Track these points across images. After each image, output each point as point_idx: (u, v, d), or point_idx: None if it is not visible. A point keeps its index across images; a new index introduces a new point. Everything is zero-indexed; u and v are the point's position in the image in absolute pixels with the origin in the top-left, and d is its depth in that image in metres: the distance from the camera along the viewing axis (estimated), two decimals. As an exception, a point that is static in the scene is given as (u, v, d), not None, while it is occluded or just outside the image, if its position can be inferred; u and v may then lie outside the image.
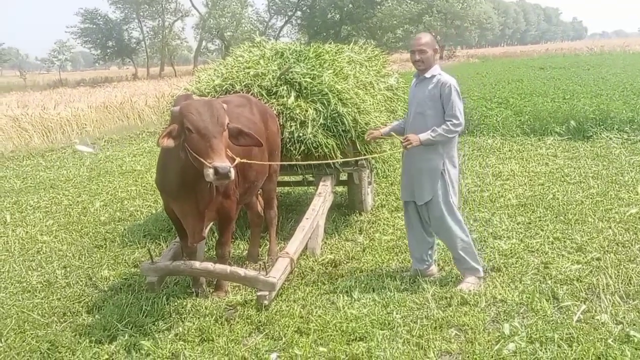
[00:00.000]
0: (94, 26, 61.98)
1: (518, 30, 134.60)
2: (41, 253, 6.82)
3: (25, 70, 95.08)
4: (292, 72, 6.82)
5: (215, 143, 4.34)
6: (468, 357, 4.04)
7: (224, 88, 6.79)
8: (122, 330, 4.61)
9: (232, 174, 4.30)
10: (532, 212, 7.34)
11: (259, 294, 4.90)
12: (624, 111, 12.87)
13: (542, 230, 6.64)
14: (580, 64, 31.89)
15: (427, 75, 5.20)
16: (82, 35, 62.86)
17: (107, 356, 4.30)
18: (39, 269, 6.28)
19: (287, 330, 4.52)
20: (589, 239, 6.21)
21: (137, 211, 8.50)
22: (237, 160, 4.69)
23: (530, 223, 6.92)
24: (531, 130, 13.12)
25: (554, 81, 21.00)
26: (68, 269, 6.22)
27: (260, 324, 4.68)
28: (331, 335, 4.41)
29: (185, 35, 65.90)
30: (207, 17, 57.18)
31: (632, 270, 5.32)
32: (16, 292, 5.66)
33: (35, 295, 5.53)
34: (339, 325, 4.55)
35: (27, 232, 7.73)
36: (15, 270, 6.25)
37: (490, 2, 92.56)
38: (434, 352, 4.15)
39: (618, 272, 5.28)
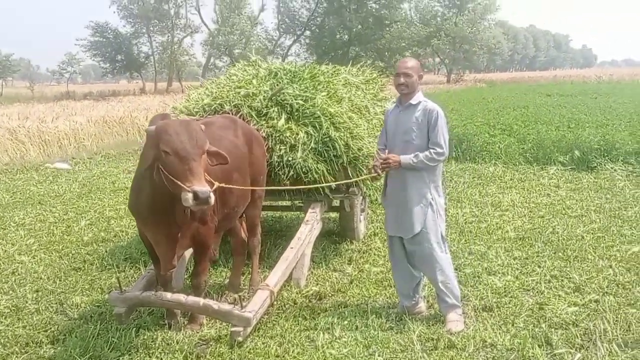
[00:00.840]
0: (104, 40, 62.17)
1: (527, 56, 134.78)
2: (16, 274, 6.56)
3: (35, 82, 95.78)
4: (283, 93, 6.57)
5: (194, 166, 4.11)
6: (451, 409, 3.73)
7: (212, 108, 6.56)
8: (84, 366, 4.32)
9: (212, 199, 4.06)
10: (530, 246, 7.04)
11: (232, 329, 4.61)
12: (630, 142, 12.56)
13: (539, 267, 6.33)
14: (587, 92, 31.69)
15: (413, 102, 4.97)
16: (92, 49, 63.06)
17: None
18: (10, 292, 6.00)
19: (259, 372, 4.23)
20: (587, 279, 5.89)
21: (123, 232, 8.22)
22: (216, 184, 4.44)
23: (527, 258, 6.61)
24: (534, 159, 12.84)
25: (560, 109, 20.75)
26: (40, 293, 5.95)
27: (231, 362, 4.39)
28: (306, 379, 4.12)
29: (194, 51, 66.05)
30: (216, 34, 57.32)
31: (631, 316, 4.99)
32: (-20, 317, 5.38)
33: (1, 322, 5.25)
34: (314, 367, 4.26)
35: (5, 250, 7.49)
36: (-15, 293, 5.98)
37: (500, 27, 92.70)
38: (415, 403, 3.84)
39: (617, 317, 4.95)
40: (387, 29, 56.25)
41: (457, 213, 8.67)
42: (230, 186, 4.90)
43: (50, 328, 5.07)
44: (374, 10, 56.46)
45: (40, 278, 6.39)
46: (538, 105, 23.06)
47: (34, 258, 7.14)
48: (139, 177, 4.71)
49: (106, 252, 7.25)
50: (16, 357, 4.57)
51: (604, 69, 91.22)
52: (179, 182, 4.07)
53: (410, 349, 4.54)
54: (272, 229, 8.20)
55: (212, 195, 4.06)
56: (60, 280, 6.33)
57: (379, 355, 4.44)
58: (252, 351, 4.52)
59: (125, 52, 62.86)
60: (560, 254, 6.70)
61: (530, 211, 8.76)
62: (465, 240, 7.33)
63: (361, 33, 56.21)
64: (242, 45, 57.06)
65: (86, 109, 24.29)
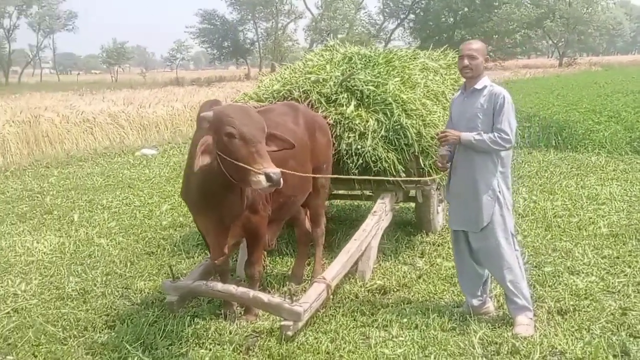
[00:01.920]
0: (212, 27, 63.99)
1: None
2: (91, 257, 6.72)
3: (150, 69, 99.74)
4: (354, 78, 6.37)
5: (261, 148, 4.03)
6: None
7: (281, 94, 6.46)
8: (132, 354, 4.32)
9: (281, 182, 3.97)
10: (623, 244, 6.52)
11: (282, 323, 4.48)
12: None
13: (629, 267, 5.84)
14: None
15: (478, 86, 4.67)
16: (200, 36, 65.05)
17: (107, 382, 4.03)
18: (82, 274, 6.14)
19: (307, 369, 4.10)
20: (682, 283, 5.37)
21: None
22: (279, 170, 4.28)
23: (617, 257, 6.12)
24: (643, 148, 12.01)
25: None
26: (109, 277, 6.06)
27: (279, 358, 4.26)
28: (352, 380, 3.94)
29: (297, 36, 66.64)
30: (320, 19, 57.65)
31: None
32: (49, 299, 5.52)
33: (67, 304, 5.36)
34: (364, 367, 4.07)
35: (86, 233, 7.70)
36: (58, 275, 6.14)
37: (622, 8, 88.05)
38: (464, 413, 3.58)
39: None
40: (496, 10, 54.73)
41: (547, 206, 8.20)
42: (294, 172, 4.78)
43: (111, 313, 5.14)
44: (480, -9, 54.92)
45: (113, 261, 6.51)
46: (655, 90, 21.61)
47: (112, 241, 7.31)
48: (188, 168, 4.66)
49: (180, 237, 7.32)
50: (73, 340, 4.62)
51: None
52: (247, 166, 3.97)
53: (469, 353, 4.28)
54: (348, 217, 8.04)
55: (281, 177, 3.96)
56: (131, 264, 6.43)
57: (434, 358, 4.20)
58: (301, 347, 4.39)
59: (232, 39, 64.38)
60: (656, 253, 6.18)
61: (629, 205, 8.16)
62: (552, 236, 6.89)
63: (467, 15, 54.91)
64: (345, 30, 57.12)
65: (188, 94, 24.89)
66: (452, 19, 55.66)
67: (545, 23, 58.36)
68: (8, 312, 5.20)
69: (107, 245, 7.15)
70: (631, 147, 12.19)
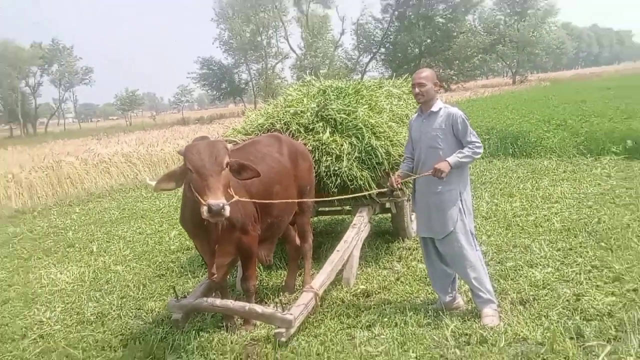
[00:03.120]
0: (210, 71, 64.11)
1: (592, 54, 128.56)
2: (109, 283, 6.63)
3: (159, 111, 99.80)
4: (327, 108, 6.35)
5: (212, 181, 3.92)
6: (474, 407, 3.35)
7: (264, 127, 6.41)
8: (144, 368, 4.23)
9: (227, 212, 3.84)
10: (575, 237, 6.47)
11: (276, 331, 4.40)
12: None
13: (581, 257, 5.78)
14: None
15: (434, 109, 4.65)
16: (201, 80, 65.20)
17: (123, 396, 3.92)
18: (100, 299, 6.05)
19: (299, 371, 4.00)
20: (628, 268, 5.30)
21: (204, 240, 8.19)
22: (236, 197, 4.22)
23: (570, 249, 6.07)
24: (587, 151, 12.03)
25: (616, 101, 19.44)
26: (124, 300, 5.97)
27: (275, 362, 4.17)
28: (340, 377, 3.84)
29: (284, 74, 66.84)
30: (303, 58, 57.94)
31: (669, 306, 4.42)
32: (71, 324, 5.43)
33: (86, 328, 5.27)
34: (350, 365, 3.98)
35: (104, 261, 7.61)
36: (79, 302, 6.05)
37: (563, 29, 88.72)
38: (440, 400, 3.49)
39: (653, 307, 4.39)
40: (454, 39, 55.12)
41: (507, 207, 8.16)
42: (249, 200, 4.61)
43: (125, 332, 5.04)
44: (440, 24, 55.50)
45: (128, 286, 6.42)
46: (595, 99, 21.77)
47: (127, 267, 7.22)
48: (183, 196, 4.60)
49: (187, 259, 7.24)
50: (91, 360, 4.53)
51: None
52: (198, 197, 3.93)
53: (443, 345, 4.20)
54: (333, 230, 7.96)
55: (226, 207, 3.84)
56: (143, 287, 6.33)
57: (412, 352, 4.12)
58: (294, 351, 4.31)
59: (228, 81, 64.57)
60: (603, 243, 6.11)
61: (579, 202, 8.11)
62: (512, 234, 6.84)
63: (430, 46, 55.34)
64: (326, 66, 57.35)
65: (192, 132, 24.83)
66: (417, 50, 55.97)
67: (498, 47, 58.85)
68: (34, 339, 5.10)
69: (122, 271, 7.06)
70: (577, 150, 12.17)
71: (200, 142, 4.23)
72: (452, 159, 4.48)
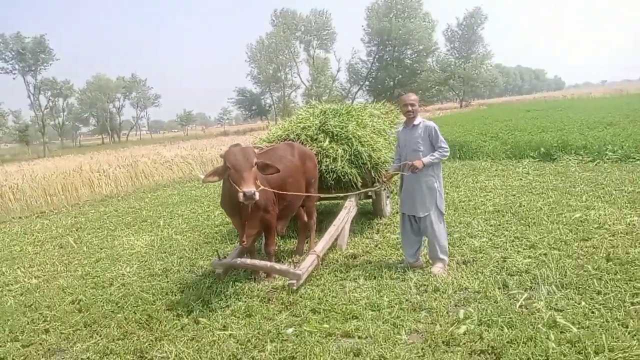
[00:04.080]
0: (244, 97, 63.72)
1: (516, 85, 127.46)
2: (171, 247, 6.60)
3: (208, 126, 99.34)
4: (326, 124, 6.30)
5: (245, 175, 4.02)
6: (429, 336, 3.36)
7: (282, 137, 6.37)
8: (196, 307, 4.23)
9: (257, 196, 3.94)
10: (502, 216, 6.42)
11: (289, 282, 4.40)
12: (579, 140, 11.42)
13: (507, 231, 5.74)
14: (555, 107, 29.32)
15: (416, 122, 4.65)
16: (237, 103, 64.90)
17: (180, 327, 3.92)
18: (165, 259, 6.04)
19: (306, 310, 4.00)
20: (540, 238, 5.28)
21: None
22: (261, 187, 4.26)
23: (499, 225, 6.02)
24: (513, 155, 11.93)
25: (533, 120, 19.26)
26: (182, 259, 5.94)
27: (288, 304, 4.17)
28: (334, 315, 3.84)
29: (297, 100, 66.50)
30: (310, 88, 57.64)
31: (568, 265, 4.40)
32: (144, 275, 5.43)
33: (155, 279, 5.26)
34: (341, 307, 3.97)
35: (168, 232, 7.59)
36: (150, 261, 6.04)
37: (496, 68, 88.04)
38: (405, 331, 3.50)
39: (557, 266, 4.38)
40: (418, 75, 54.67)
41: (455, 195, 8.10)
42: (270, 190, 4.60)
43: (182, 282, 5.02)
44: (408, 64, 54.96)
45: (184, 249, 6.39)
46: (518, 118, 21.52)
47: (184, 236, 7.20)
48: (223, 186, 4.61)
49: (226, 231, 7.21)
50: (159, 301, 4.52)
51: (568, 91, 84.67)
52: (235, 186, 4.00)
53: (408, 292, 4.19)
54: (330, 211, 7.91)
55: (256, 194, 3.93)
56: (196, 250, 6.31)
57: (386, 297, 4.11)
58: (302, 296, 4.30)
59: (257, 104, 64.12)
60: (523, 221, 6.07)
61: (506, 191, 8.06)
62: (458, 215, 6.79)
63: (401, 80, 54.82)
64: (326, 94, 56.98)
65: (231, 140, 24.71)
66: (392, 83, 55.44)
67: (449, 81, 58.31)
68: (118, 287, 5.10)
69: (181, 239, 7.04)
70: (506, 155, 12.09)
71: (236, 147, 4.24)
72: (426, 159, 4.52)
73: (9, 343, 3.90)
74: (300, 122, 6.57)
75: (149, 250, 6.59)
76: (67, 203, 11.92)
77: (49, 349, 3.73)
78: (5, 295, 5.22)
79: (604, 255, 4.55)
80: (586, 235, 5.20)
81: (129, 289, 4.95)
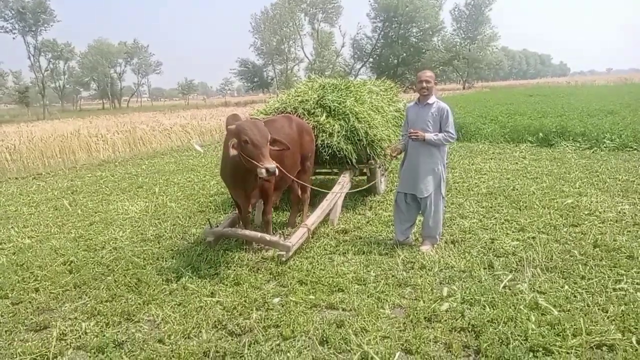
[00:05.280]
0: (246, 69, 62.96)
1: (521, 70, 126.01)
2: (165, 214, 6.60)
3: (209, 96, 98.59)
4: (325, 99, 6.22)
5: (264, 151, 4.01)
6: (412, 311, 3.39)
7: (279, 109, 6.29)
8: (185, 273, 4.26)
9: (277, 172, 3.97)
10: (495, 199, 6.43)
11: (278, 253, 4.43)
12: (578, 126, 11.34)
13: (498, 213, 5.75)
14: (557, 93, 29.04)
15: (430, 101, 4.51)
16: (239, 74, 64.13)
17: (169, 292, 3.96)
18: (158, 225, 6.05)
19: (293, 281, 4.03)
20: (530, 222, 5.30)
21: (234, 188, 8.15)
22: (275, 164, 4.22)
23: (491, 207, 6.03)
24: (511, 139, 11.88)
25: (534, 105, 19.07)
26: (175, 226, 5.95)
27: (276, 274, 4.20)
28: (321, 287, 3.87)
29: (300, 74, 65.78)
30: (313, 63, 56.93)
31: (555, 249, 4.43)
32: (136, 240, 5.44)
33: (147, 244, 5.27)
34: (328, 279, 4.00)
35: (163, 199, 7.59)
36: (143, 226, 6.05)
37: (502, 51, 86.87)
38: (388, 305, 3.53)
39: (544, 250, 4.41)
40: (423, 55, 53.95)
41: (449, 176, 8.07)
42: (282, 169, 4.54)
43: (174, 249, 5.04)
44: (413, 42, 54.27)
45: (178, 217, 6.39)
46: (519, 102, 21.32)
47: (178, 204, 7.19)
48: (223, 158, 4.57)
49: (220, 200, 7.21)
50: (149, 266, 4.54)
51: (573, 78, 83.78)
52: (255, 162, 3.96)
53: (395, 268, 4.22)
54: (324, 186, 7.89)
55: (276, 169, 3.96)
56: (189, 218, 6.32)
57: (373, 272, 4.14)
58: (291, 267, 4.33)
59: (259, 76, 63.44)
60: (514, 204, 6.08)
61: (500, 174, 8.05)
62: (451, 195, 6.78)
63: (405, 58, 54.18)
64: (329, 69, 56.33)
65: (231, 112, 24.47)
66: (395, 61, 54.78)
67: (454, 62, 57.68)
68: (110, 250, 5.13)
69: (175, 206, 7.03)
70: (504, 138, 12.04)
71: (251, 122, 4.20)
72: (429, 135, 4.44)
73: (-1, 300, 3.94)
74: (298, 95, 6.48)
75: (143, 216, 6.59)
76: (64, 166, 11.89)
77: (37, 307, 3.76)
78: (-2, 253, 5.24)
79: (592, 241, 4.58)
80: (576, 221, 5.22)
81: (120, 253, 4.97)
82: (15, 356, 3.06)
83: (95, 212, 6.97)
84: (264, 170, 3.91)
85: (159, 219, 6.38)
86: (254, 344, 3.08)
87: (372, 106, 6.46)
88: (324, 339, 3.08)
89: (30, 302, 3.87)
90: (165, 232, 5.72)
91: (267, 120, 5.31)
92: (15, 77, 63.97)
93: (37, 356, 3.07)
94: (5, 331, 3.42)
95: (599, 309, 3.27)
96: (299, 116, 6.04)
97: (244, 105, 37.80)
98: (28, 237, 5.82)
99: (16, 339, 3.30)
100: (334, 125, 6.00)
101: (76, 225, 6.31)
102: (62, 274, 4.47)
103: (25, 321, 3.55)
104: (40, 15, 50.83)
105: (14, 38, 53.85)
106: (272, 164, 3.95)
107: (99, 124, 19.40)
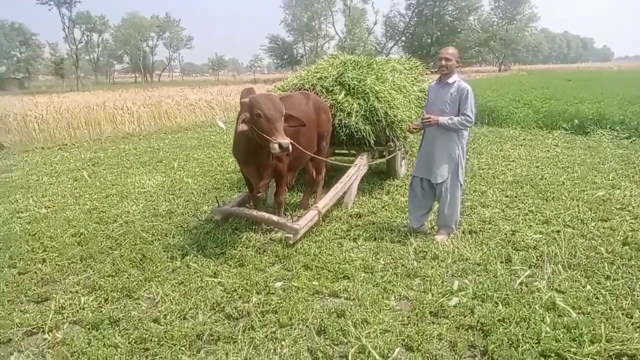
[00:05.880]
0: (276, 45, 62.60)
1: (562, 53, 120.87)
2: (180, 190, 6.57)
3: (240, 72, 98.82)
4: (343, 76, 5.98)
5: (278, 125, 3.81)
6: (418, 304, 3.21)
7: (297, 86, 6.09)
8: (190, 251, 4.19)
9: (290, 147, 3.79)
10: (521, 188, 6.10)
11: (285, 235, 4.30)
12: (617, 114, 10.67)
13: (522, 203, 5.45)
14: (597, 78, 27.62)
15: (450, 81, 4.22)
16: (269, 51, 63.87)
17: (172, 269, 3.90)
18: (172, 201, 6.02)
19: (298, 265, 3.90)
20: (556, 214, 4.99)
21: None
22: (289, 140, 4.03)
23: (515, 197, 5.72)
24: (544, 125, 11.32)
25: (572, 90, 18.13)
26: (188, 203, 5.91)
27: (282, 257, 4.08)
28: (326, 273, 3.73)
29: (330, 52, 64.90)
30: (344, 40, 55.95)
31: (580, 245, 4.14)
32: (147, 215, 5.42)
33: (158, 220, 5.25)
34: (335, 265, 3.86)
35: (180, 175, 7.57)
36: (157, 201, 6.03)
37: (542, 33, 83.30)
38: (394, 296, 3.37)
39: (568, 245, 4.13)
40: (458, 34, 52.19)
41: (475, 162, 7.75)
42: (296, 144, 4.39)
43: (183, 226, 4.99)
44: (448, 21, 52.53)
45: (192, 193, 6.36)
46: (556, 87, 20.37)
47: (195, 180, 7.16)
48: (235, 134, 4.42)
49: (237, 178, 7.13)
50: (156, 242, 4.51)
51: (616, 62, 79.57)
52: (267, 137, 3.77)
53: (406, 257, 4.03)
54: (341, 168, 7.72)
55: (289, 145, 3.78)
56: (203, 195, 6.27)
57: (382, 260, 3.97)
58: (297, 250, 4.20)
59: (289, 54, 63.03)
60: (541, 194, 5.76)
61: (529, 162, 7.66)
62: (475, 182, 6.49)
63: (439, 37, 52.49)
64: (360, 48, 55.31)
65: (258, 89, 24.34)
66: (429, 40, 53.16)
67: (490, 43, 55.62)
68: (121, 224, 5.12)
69: (191, 182, 7.01)
70: (537, 124, 11.49)
71: (264, 95, 4.02)
72: (443, 119, 4.17)
73: (6, 269, 3.97)
74: (317, 72, 6.26)
75: (158, 190, 6.58)
76: (89, 137, 12.07)
77: (42, 279, 3.77)
78: (14, 222, 5.32)
79: (621, 238, 4.26)
80: (606, 216, 4.89)
81: (130, 227, 4.95)
82: (12, 327, 3.06)
83: (113, 185, 7.01)
84: (276, 145, 3.74)
85: (173, 194, 6.35)
86: (249, 329, 2.98)
87: (394, 85, 6.19)
88: (322, 328, 2.95)
89: (36, 272, 3.89)
90: (178, 208, 5.68)
91: (283, 96, 5.13)
92: (52, 48, 65.55)
93: (33, 328, 3.06)
94: (8, 301, 3.43)
95: (622, 314, 3.02)
96: (317, 94, 5.83)
97: (272, 82, 37.62)
98: (45, 207, 5.89)
99: (16, 309, 3.30)
100: (352, 104, 5.77)
101: (92, 197, 6.35)
102: (71, 245, 4.48)
103: (28, 292, 3.56)
104: (76, -14, 51.58)
105: (50, 9, 55.00)
106: (285, 139, 3.77)
107: (127, 96, 19.60)
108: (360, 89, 5.84)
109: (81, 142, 11.61)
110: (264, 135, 3.80)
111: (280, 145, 3.73)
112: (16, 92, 33.14)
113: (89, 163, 8.85)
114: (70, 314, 3.21)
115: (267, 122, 3.81)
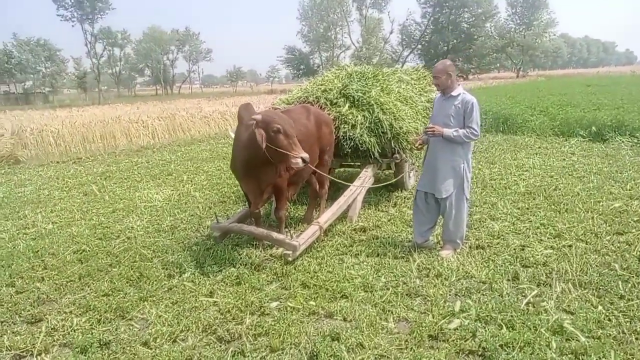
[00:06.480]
0: (293, 56, 62.98)
1: (582, 58, 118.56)
2: (186, 204, 6.55)
3: (257, 83, 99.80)
4: (348, 88, 5.88)
5: (295, 141, 3.90)
6: (417, 327, 3.06)
7: (301, 99, 6.02)
8: (188, 269, 4.12)
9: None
10: (533, 199, 5.87)
11: (284, 252, 4.19)
12: (637, 121, 10.28)
13: (534, 216, 5.23)
14: (619, 83, 26.86)
15: (454, 93, 4.11)
16: (286, 62, 64.27)
17: (168, 288, 3.82)
18: (176, 215, 5.98)
19: (296, 283, 3.79)
20: (569, 227, 4.76)
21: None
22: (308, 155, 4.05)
23: (527, 209, 5.51)
24: (560, 133, 11.00)
25: (590, 96, 17.62)
26: (192, 217, 5.86)
27: (281, 275, 3.97)
28: (324, 292, 3.60)
29: (346, 61, 64.99)
30: (360, 50, 55.97)
31: (592, 261, 3.92)
32: (150, 230, 5.38)
33: (160, 235, 5.20)
34: (333, 284, 3.72)
35: (188, 188, 7.55)
36: (162, 216, 5.99)
37: (561, 38, 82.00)
38: (393, 318, 3.22)
39: (579, 261, 3.91)
40: (474, 41, 51.69)
41: (486, 172, 7.52)
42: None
43: (184, 242, 4.93)
44: (464, 29, 52.14)
45: (197, 207, 6.32)
46: (574, 93, 19.83)
47: (202, 193, 7.13)
48: (235, 149, 4.38)
49: (242, 192, 7.06)
50: (156, 259, 4.45)
51: (638, 66, 77.56)
52: (288, 152, 3.84)
53: (408, 275, 3.88)
54: (346, 180, 7.58)
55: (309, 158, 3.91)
56: (209, 209, 6.22)
57: (384, 278, 3.83)
58: (296, 267, 4.09)
59: (305, 64, 63.28)
60: (554, 206, 5.53)
61: (544, 172, 7.40)
62: (485, 193, 6.29)
63: (456, 45, 52.19)
64: (376, 57, 55.26)
65: (273, 99, 24.42)
66: (445, 48, 52.82)
67: (508, 49, 54.88)
68: (123, 240, 5.09)
69: (198, 196, 6.97)
70: (553, 132, 11.17)
71: (274, 112, 4.06)
72: (448, 131, 4.04)
73: (4, 288, 3.96)
74: (322, 84, 6.18)
75: (165, 204, 6.56)
76: (103, 151, 12.23)
77: (38, 298, 3.73)
78: (20, 238, 5.35)
79: (638, 253, 4.02)
80: (622, 229, 4.64)
81: (131, 243, 4.91)
82: (2, 350, 3.02)
83: (121, 199, 7.02)
84: (299, 160, 3.83)
85: (179, 208, 6.32)
86: (239, 354, 2.87)
87: (399, 96, 6.06)
88: (315, 353, 2.82)
89: (33, 291, 3.86)
90: (182, 222, 5.64)
91: (284, 110, 5.07)
92: (76, 63, 67.34)
93: (22, 351, 3.01)
94: (1, 322, 3.40)
95: (636, 339, 2.80)
96: (321, 106, 5.74)
97: (286, 93, 37.81)
98: (52, 222, 5.92)
99: (9, 331, 3.27)
100: (356, 117, 5.67)
101: (100, 211, 6.36)
102: (71, 263, 4.45)
103: (23, 312, 3.52)
104: (97, 3, 53.01)
105: (72, 26, 56.60)
106: (305, 154, 3.86)
107: (145, 109, 19.87)
108: (364, 100, 5.74)
109: (96, 155, 11.77)
110: (282, 151, 3.83)
111: (303, 160, 3.84)
112: (39, 106, 34.03)
113: (100, 177, 8.93)
114: (61, 336, 3.16)
115: (285, 138, 3.87)
